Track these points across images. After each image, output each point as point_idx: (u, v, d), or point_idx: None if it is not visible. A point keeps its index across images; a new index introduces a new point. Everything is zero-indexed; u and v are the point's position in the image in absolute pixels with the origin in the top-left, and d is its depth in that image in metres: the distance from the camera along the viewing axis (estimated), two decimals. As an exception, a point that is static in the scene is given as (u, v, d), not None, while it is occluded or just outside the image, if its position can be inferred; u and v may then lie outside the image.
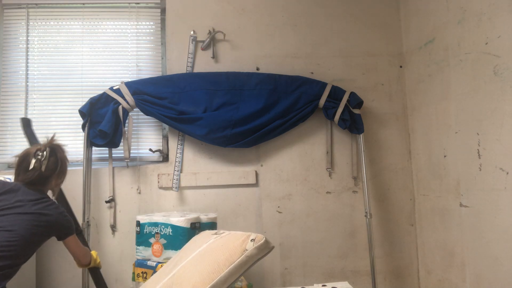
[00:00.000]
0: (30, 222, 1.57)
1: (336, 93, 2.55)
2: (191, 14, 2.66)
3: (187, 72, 2.60)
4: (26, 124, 2.28)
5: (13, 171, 2.45)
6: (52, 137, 1.81)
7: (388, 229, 2.63)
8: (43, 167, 1.70)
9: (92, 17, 2.68)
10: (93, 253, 2.01)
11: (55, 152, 1.77)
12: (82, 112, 2.41)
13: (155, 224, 2.10)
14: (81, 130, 2.44)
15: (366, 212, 2.49)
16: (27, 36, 2.63)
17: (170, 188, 2.53)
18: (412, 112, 2.65)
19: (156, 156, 2.58)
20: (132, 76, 2.64)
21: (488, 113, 1.91)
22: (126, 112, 2.45)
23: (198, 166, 2.57)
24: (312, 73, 2.67)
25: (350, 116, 2.53)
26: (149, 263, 2.08)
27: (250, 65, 2.64)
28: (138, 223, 2.17)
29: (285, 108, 2.50)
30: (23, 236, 1.53)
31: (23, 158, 1.72)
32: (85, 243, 2.17)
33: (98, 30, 2.68)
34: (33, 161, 1.70)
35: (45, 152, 1.72)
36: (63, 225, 1.72)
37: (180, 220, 2.03)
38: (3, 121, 2.57)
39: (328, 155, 2.63)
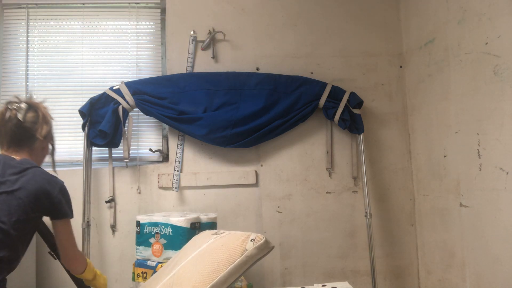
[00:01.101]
0: (14, 201, 1.33)
1: (336, 93, 2.55)
2: (191, 14, 2.66)
3: (187, 72, 2.60)
4: None
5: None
6: (31, 97, 1.62)
7: (388, 229, 2.63)
8: (19, 115, 1.46)
9: (92, 17, 2.68)
10: (102, 277, 1.70)
11: (35, 107, 1.53)
12: (82, 112, 2.41)
13: (155, 224, 2.10)
14: (81, 130, 2.44)
15: (366, 212, 2.49)
16: (27, 36, 2.63)
17: (170, 188, 2.53)
18: (412, 112, 2.65)
19: (156, 156, 2.58)
20: (132, 76, 2.64)
21: (488, 113, 1.91)
22: (126, 112, 2.45)
23: (198, 166, 2.57)
24: (312, 73, 2.67)
25: (350, 116, 2.53)
26: (149, 263, 2.08)
27: (250, 65, 2.64)
28: (138, 223, 2.17)
29: (285, 108, 2.50)
30: (9, 220, 1.31)
31: (2, 114, 1.49)
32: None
33: (98, 30, 2.68)
34: (8, 111, 1.47)
35: (22, 105, 1.50)
36: (52, 195, 1.41)
37: (180, 220, 2.03)
38: (3, 121, 2.57)
39: (328, 155, 2.63)
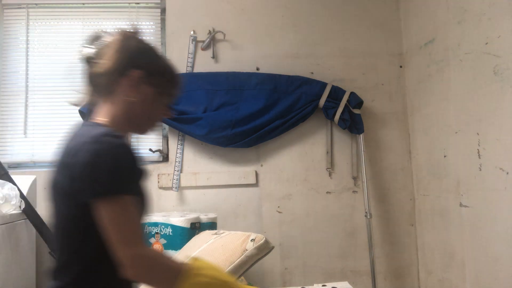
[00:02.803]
0: (59, 191, 0.93)
1: (336, 93, 2.55)
2: (191, 14, 2.65)
3: (187, 72, 2.60)
4: None
5: (13, 171, 2.45)
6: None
7: (388, 229, 2.63)
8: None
9: (92, 17, 2.68)
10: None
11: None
12: (82, 113, 2.41)
13: (155, 224, 2.10)
14: (81, 130, 2.44)
15: (366, 212, 2.49)
16: (27, 36, 2.62)
17: (170, 188, 2.53)
18: (412, 112, 2.64)
19: (156, 156, 2.58)
20: (132, 76, 2.63)
21: (488, 113, 1.91)
22: (126, 112, 2.44)
23: (198, 166, 2.57)
24: (312, 73, 2.67)
25: (350, 116, 2.53)
26: (149, 263, 2.08)
27: (250, 65, 2.64)
28: (138, 223, 2.17)
29: (285, 108, 2.50)
30: (57, 218, 0.95)
31: None
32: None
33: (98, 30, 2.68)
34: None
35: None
36: (86, 166, 0.86)
37: (180, 220, 2.03)
38: (3, 121, 2.57)
39: (328, 155, 2.63)
